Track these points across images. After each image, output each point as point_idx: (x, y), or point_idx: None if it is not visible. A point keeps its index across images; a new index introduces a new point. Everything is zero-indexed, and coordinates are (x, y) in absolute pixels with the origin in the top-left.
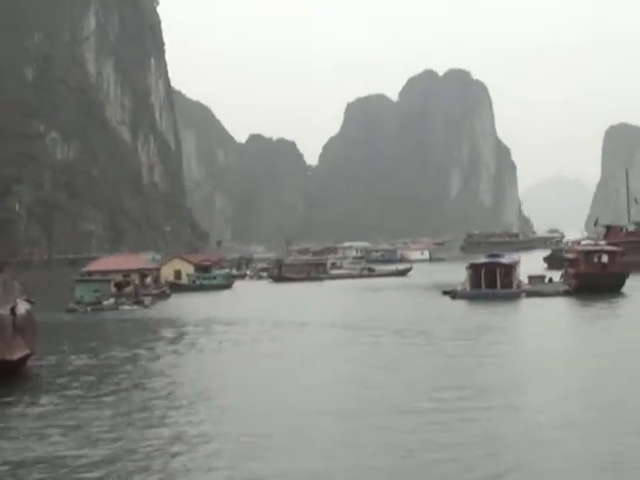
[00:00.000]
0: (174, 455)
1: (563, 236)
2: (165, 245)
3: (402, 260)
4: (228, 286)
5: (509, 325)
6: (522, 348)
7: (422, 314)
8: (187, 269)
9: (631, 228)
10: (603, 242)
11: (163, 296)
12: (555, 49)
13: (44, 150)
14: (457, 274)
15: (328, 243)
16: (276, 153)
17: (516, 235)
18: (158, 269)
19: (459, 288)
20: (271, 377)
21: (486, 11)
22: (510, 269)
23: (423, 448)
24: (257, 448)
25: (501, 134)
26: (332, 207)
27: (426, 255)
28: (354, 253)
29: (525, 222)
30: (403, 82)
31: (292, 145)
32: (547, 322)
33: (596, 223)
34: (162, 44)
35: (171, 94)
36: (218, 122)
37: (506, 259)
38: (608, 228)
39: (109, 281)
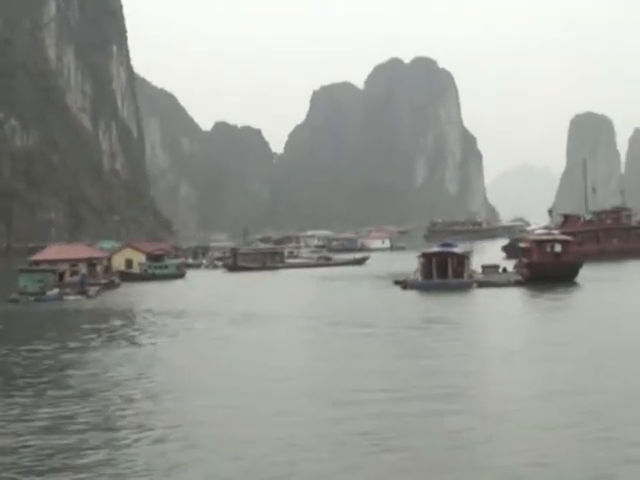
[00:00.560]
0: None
1: (528, 224)
2: (127, 234)
3: (362, 249)
4: (181, 275)
5: (453, 316)
6: (457, 342)
7: (367, 305)
8: (139, 258)
9: (588, 217)
10: (557, 231)
11: (111, 286)
12: (531, 40)
13: (3, 138)
14: (415, 263)
15: (291, 231)
16: (242, 141)
17: (479, 224)
18: (109, 258)
19: (410, 278)
20: (195, 373)
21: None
22: (462, 259)
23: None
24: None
25: (468, 123)
26: (297, 195)
27: (387, 244)
28: (316, 242)
29: (491, 211)
30: (369, 70)
31: (257, 133)
32: (492, 314)
33: (550, 212)
34: (124, 30)
35: (134, 81)
36: (183, 110)
37: (459, 248)
38: (565, 217)
39: (53, 271)
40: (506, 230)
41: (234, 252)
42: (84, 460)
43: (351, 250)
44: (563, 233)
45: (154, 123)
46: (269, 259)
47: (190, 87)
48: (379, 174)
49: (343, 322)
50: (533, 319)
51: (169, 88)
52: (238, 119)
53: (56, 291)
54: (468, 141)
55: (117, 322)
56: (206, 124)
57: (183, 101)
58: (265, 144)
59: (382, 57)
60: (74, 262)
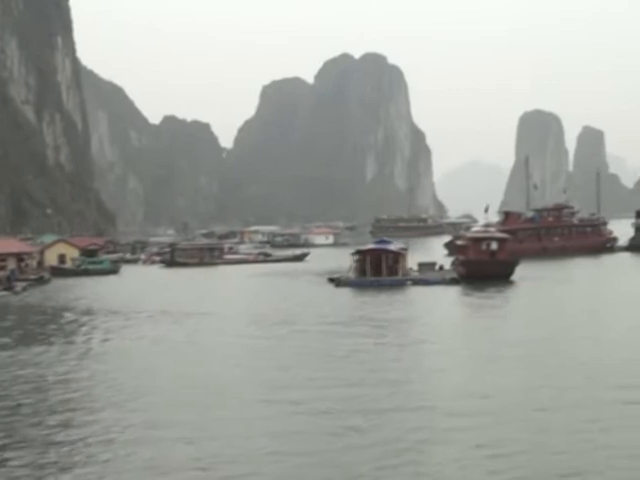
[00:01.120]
0: None
1: (476, 221)
2: (71, 228)
3: (306, 244)
4: (115, 271)
5: (378, 315)
6: (380, 339)
7: (295, 303)
8: (72, 253)
9: (529, 215)
10: (493, 229)
11: (41, 281)
12: (481, 39)
13: None
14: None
15: (237, 227)
16: (191, 135)
17: (425, 220)
18: (40, 253)
19: (344, 275)
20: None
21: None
22: (397, 256)
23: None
24: None
25: (418, 119)
26: (247, 190)
27: (330, 240)
28: (259, 237)
29: (440, 207)
30: (320, 65)
31: (206, 127)
32: (420, 312)
33: (486, 210)
34: (69, 22)
35: (79, 73)
36: (131, 103)
37: (393, 245)
38: (506, 215)
39: None
40: (452, 227)
41: (172, 247)
42: None
43: (295, 246)
44: (504, 231)
45: (102, 116)
46: (207, 255)
47: (138, 80)
48: (329, 169)
49: (262, 321)
50: (458, 317)
51: (117, 81)
52: (187, 113)
53: None
54: (418, 137)
55: (37, 320)
56: (155, 118)
57: (131, 94)
58: (214, 138)
59: (332, 52)
60: (2, 257)
